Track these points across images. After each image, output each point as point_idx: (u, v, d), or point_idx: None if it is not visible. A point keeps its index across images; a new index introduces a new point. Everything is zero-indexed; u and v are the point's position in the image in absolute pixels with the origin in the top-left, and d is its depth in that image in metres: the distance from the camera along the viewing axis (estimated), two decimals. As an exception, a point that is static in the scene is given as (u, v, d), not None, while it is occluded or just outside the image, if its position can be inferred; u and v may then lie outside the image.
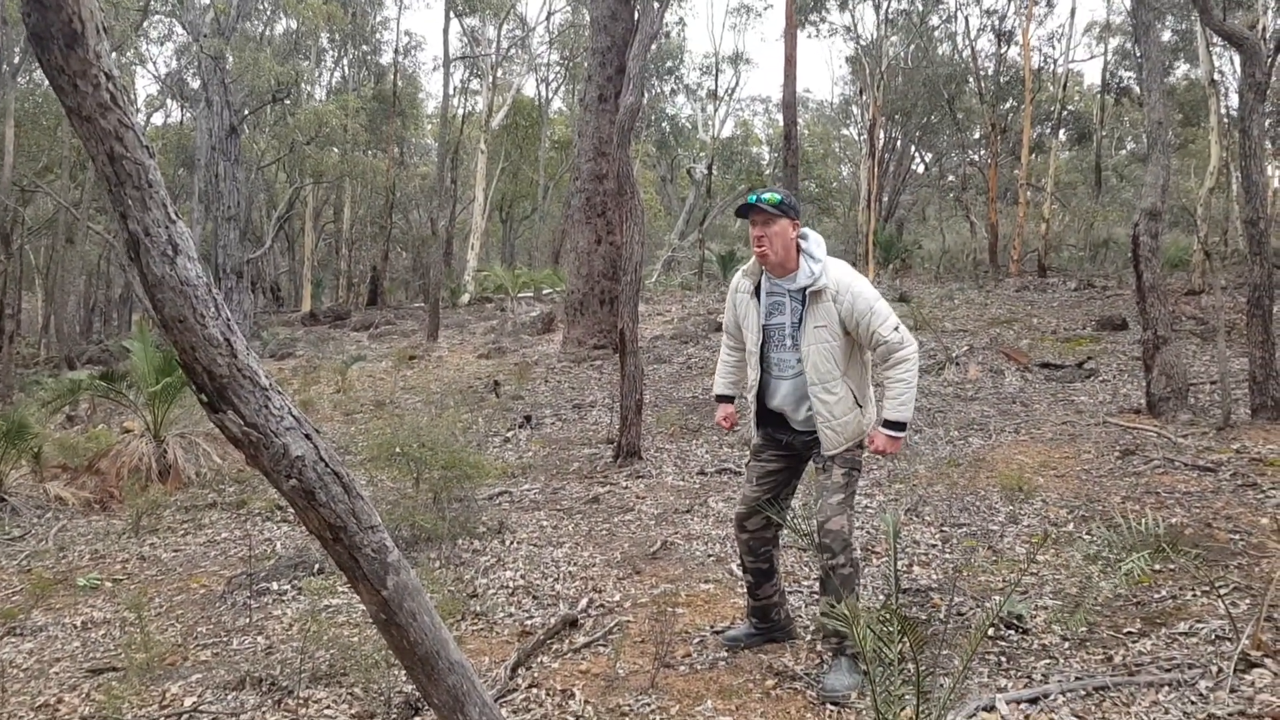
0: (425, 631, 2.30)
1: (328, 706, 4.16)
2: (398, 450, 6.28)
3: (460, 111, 38.48)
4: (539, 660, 4.51)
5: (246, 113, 26.66)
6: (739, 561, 4.43)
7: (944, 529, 6.07)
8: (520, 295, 25.30)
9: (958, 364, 11.74)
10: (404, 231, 41.49)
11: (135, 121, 2.01)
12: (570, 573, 5.71)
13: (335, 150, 30.90)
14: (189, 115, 35.75)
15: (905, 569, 5.42)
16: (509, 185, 41.22)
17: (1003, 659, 4.17)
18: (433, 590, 5.26)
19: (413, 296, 37.63)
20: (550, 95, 41.32)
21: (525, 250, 45.97)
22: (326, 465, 2.22)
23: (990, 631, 4.42)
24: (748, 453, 4.39)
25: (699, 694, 4.05)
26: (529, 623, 5.01)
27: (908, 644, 2.85)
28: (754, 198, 3.86)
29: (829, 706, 3.83)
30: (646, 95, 30.70)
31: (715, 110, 39.59)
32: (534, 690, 4.19)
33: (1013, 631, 4.42)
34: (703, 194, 37.89)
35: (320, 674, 4.44)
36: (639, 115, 9.91)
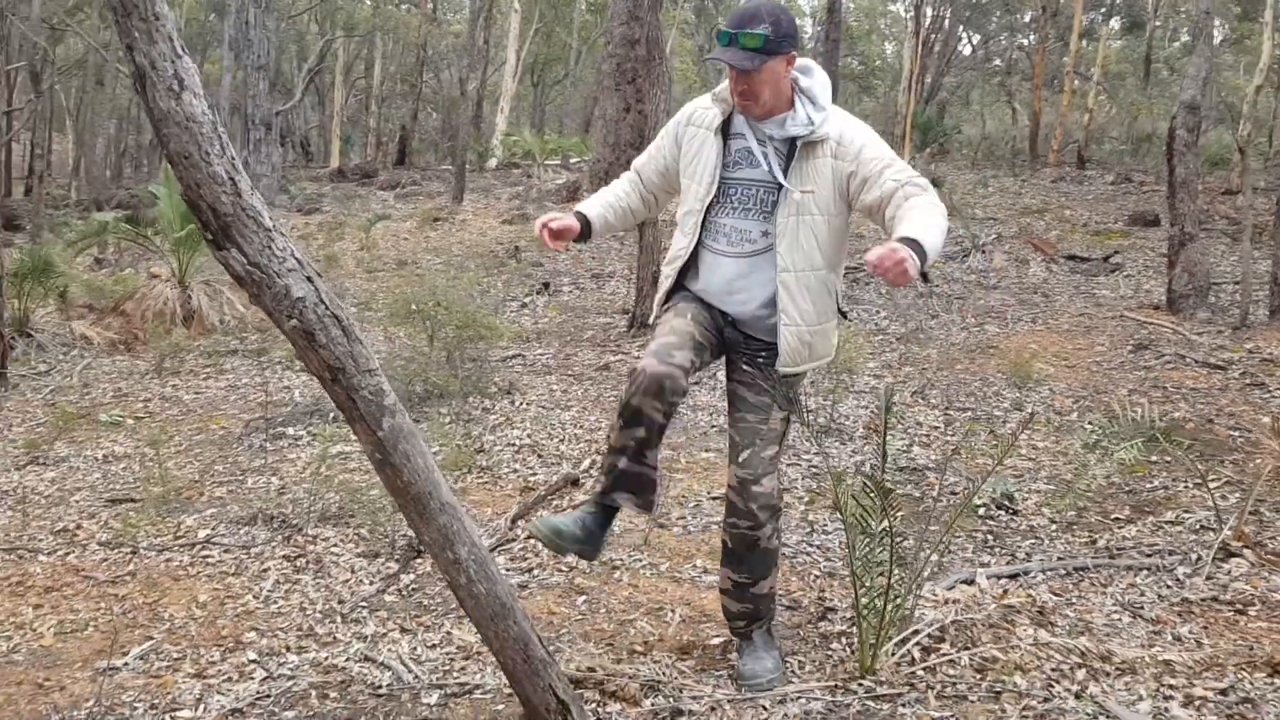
0: (418, 473, 2.38)
1: (334, 545, 4.32)
2: (414, 308, 6.36)
3: (496, -32, 37.46)
4: (539, 514, 4.66)
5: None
6: (624, 415, 2.90)
7: (948, 412, 6.13)
8: (548, 162, 25.06)
9: (983, 252, 11.63)
10: (435, 91, 40.89)
11: None
12: (576, 435, 5.84)
13: (367, 2, 30.27)
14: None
15: (905, 449, 5.50)
16: (542, 48, 40.39)
17: (990, 538, 4.28)
18: (441, 444, 5.42)
19: (441, 158, 37.31)
20: (589, -45, 40.12)
21: (556, 116, 45.34)
22: (327, 308, 2.25)
23: (981, 512, 4.53)
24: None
25: (689, 553, 4.19)
26: (532, 479, 5.16)
27: (888, 515, 2.94)
28: (729, 34, 2.68)
29: (789, 564, 3.95)
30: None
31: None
32: (530, 541, 4.33)
33: (1003, 513, 4.52)
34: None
35: (329, 514, 4.61)
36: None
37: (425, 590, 3.89)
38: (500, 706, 2.90)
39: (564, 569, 4.06)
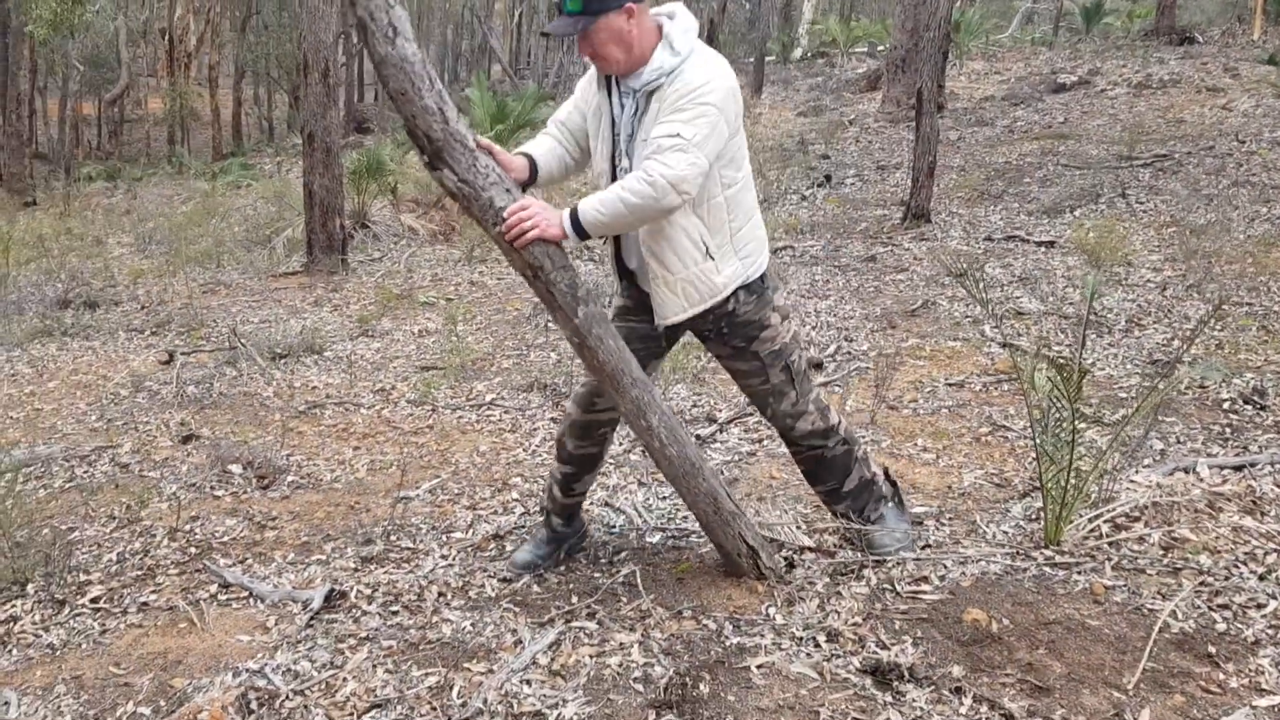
0: (611, 353, 2.76)
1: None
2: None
3: None
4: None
5: None
6: (556, 450, 3.22)
7: (1223, 307, 5.85)
8: (853, 50, 24.56)
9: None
10: (745, -19, 40.65)
11: None
12: (828, 322, 6.10)
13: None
14: None
15: (1165, 342, 5.36)
16: (855, -70, 38.98)
17: (1229, 430, 4.19)
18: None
19: (749, 50, 37.31)
20: None
21: (870, 2, 43.83)
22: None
23: (1226, 406, 4.42)
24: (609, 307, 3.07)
25: (913, 432, 4.42)
26: (779, 361, 5.50)
27: (1074, 398, 3.06)
28: (554, 7, 2.72)
29: (1011, 447, 4.06)
30: None
31: None
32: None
33: (1250, 407, 4.39)
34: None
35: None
36: None
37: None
38: (708, 548, 3.33)
39: (793, 441, 4.42)
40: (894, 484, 3.34)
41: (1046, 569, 3.03)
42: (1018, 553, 3.15)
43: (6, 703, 2.63)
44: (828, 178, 10.74)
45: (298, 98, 23.29)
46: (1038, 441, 3.19)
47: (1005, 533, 3.37)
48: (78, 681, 2.74)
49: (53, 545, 3.50)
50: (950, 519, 3.52)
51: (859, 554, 3.19)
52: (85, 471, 4.50)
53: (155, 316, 7.60)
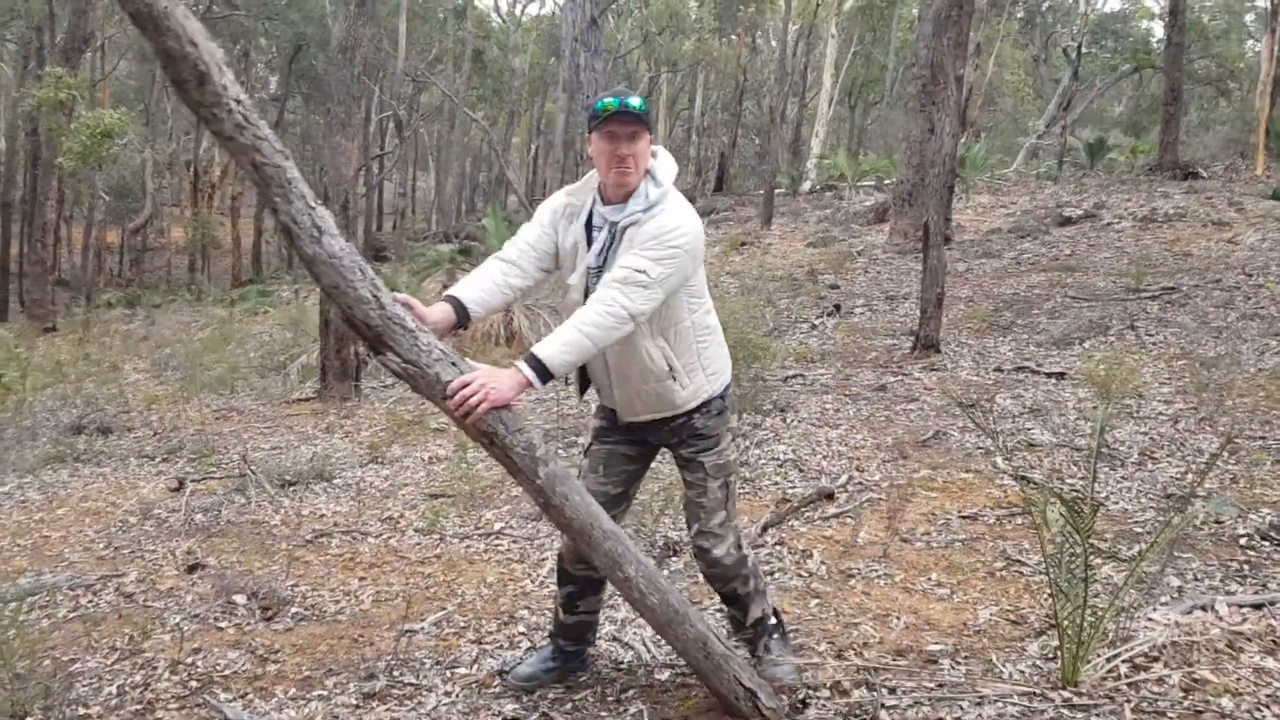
0: (578, 509, 2.75)
1: (602, 542, 4.86)
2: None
3: (815, -7, 37.93)
4: (790, 524, 4.98)
5: (609, 3, 27.85)
6: (557, 572, 3.37)
7: (1236, 440, 5.83)
8: (860, 184, 25.12)
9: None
10: (756, 117, 41.92)
11: (268, 133, 2.41)
12: (839, 452, 6.09)
13: (690, 39, 31.60)
14: (558, 4, 37.74)
15: (1179, 475, 5.33)
16: (860, 70, 40.35)
17: (1246, 567, 4.13)
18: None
19: (758, 184, 38.20)
20: (908, -26, 39.64)
21: (877, 138, 45.03)
22: None
23: (1243, 542, 4.37)
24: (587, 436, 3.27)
25: (926, 567, 4.36)
26: (790, 492, 5.48)
27: (1085, 535, 3.03)
28: (617, 101, 2.79)
29: (1026, 582, 4.00)
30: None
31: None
32: (778, 548, 4.67)
33: (1268, 544, 4.33)
34: (1071, 76, 35.19)
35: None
36: (961, 3, 9.65)
37: (676, 585, 4.32)
38: (717, 685, 3.25)
39: (804, 574, 4.36)
40: (778, 616, 3.40)
41: (1065, 710, 2.95)
42: (1035, 693, 3.07)
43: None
44: (837, 307, 10.86)
45: (317, 227, 23.84)
46: (1052, 578, 3.15)
47: (1022, 672, 3.29)
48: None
49: (53, 677, 3.44)
50: (966, 657, 3.45)
51: (874, 693, 3.12)
52: (90, 601, 4.46)
53: (167, 443, 7.63)
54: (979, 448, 6.03)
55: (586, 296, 2.91)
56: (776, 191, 22.40)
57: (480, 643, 3.84)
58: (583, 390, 3.23)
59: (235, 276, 28.00)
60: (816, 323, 10.47)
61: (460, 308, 2.96)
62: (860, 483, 5.53)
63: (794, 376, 8.09)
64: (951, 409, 6.85)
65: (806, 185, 29.08)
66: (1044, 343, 8.71)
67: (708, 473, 3.11)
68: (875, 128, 46.05)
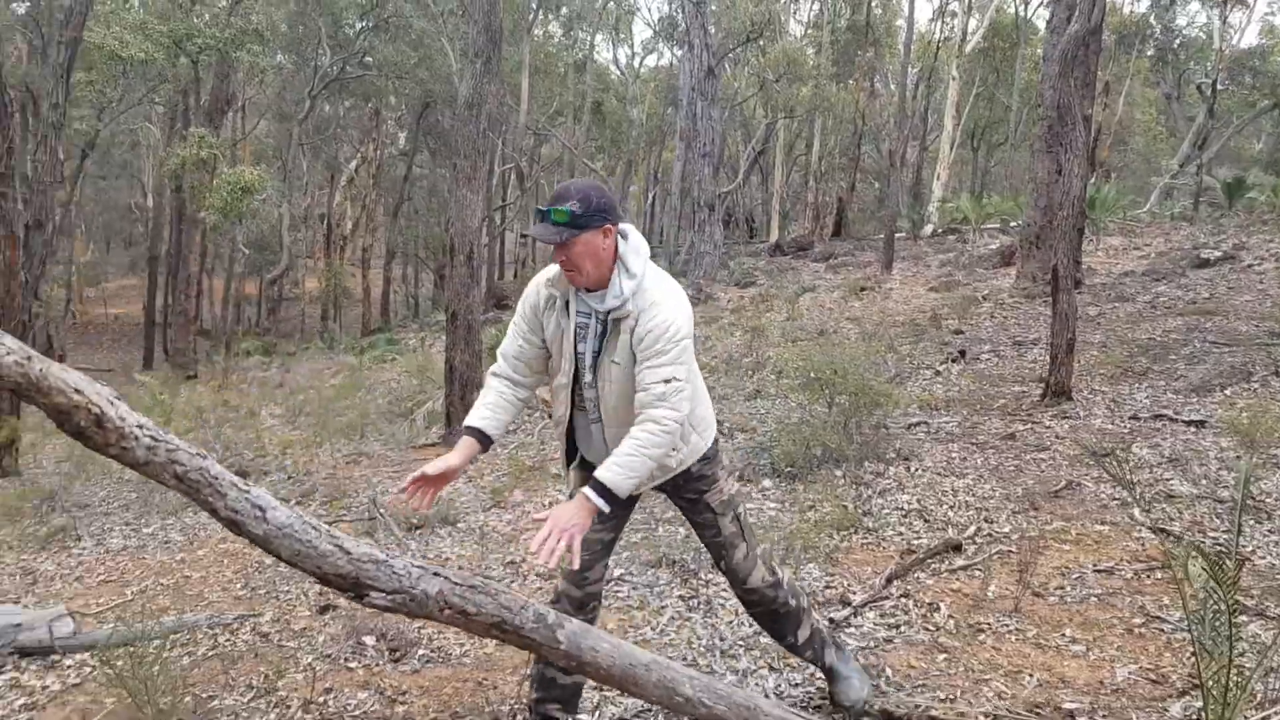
0: (610, 655, 2.71)
1: (723, 589, 4.81)
2: (813, 376, 6.80)
3: (936, 36, 37.64)
4: (915, 576, 4.86)
5: (725, 53, 28.15)
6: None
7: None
8: (984, 227, 24.64)
9: None
10: (874, 161, 41.60)
11: (179, 442, 2.49)
12: (966, 502, 5.93)
13: (807, 85, 31.62)
14: (676, 56, 38.30)
15: (1332, 532, 5.03)
16: (983, 111, 39.78)
17: None
18: (831, 504, 5.78)
19: (876, 229, 37.83)
20: (1030, 14, 39.02)
21: (1001, 180, 44.16)
22: (460, 585, 2.63)
23: None
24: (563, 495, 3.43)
25: (1060, 622, 4.20)
26: (915, 543, 5.35)
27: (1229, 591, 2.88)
28: (541, 211, 2.89)
29: (1166, 640, 3.82)
30: (1108, 18, 28.10)
31: (1226, 16, 35.03)
32: (903, 600, 4.56)
33: None
34: (1207, 113, 33.96)
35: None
36: (1088, 42, 9.43)
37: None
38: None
39: (930, 628, 4.25)
40: (828, 633, 3.57)
41: (1213, 778, 2.80)
42: (1181, 759, 2.93)
43: None
44: (962, 353, 10.63)
45: (443, 277, 24.50)
46: (1195, 635, 3.00)
47: (1166, 735, 3.14)
48: None
49: (194, 714, 3.58)
50: (1104, 717, 3.30)
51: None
52: (227, 640, 4.63)
53: (301, 485, 7.90)
54: (1114, 499, 5.80)
55: (576, 380, 3.07)
56: (897, 235, 22.14)
57: (600, 689, 3.84)
58: (569, 461, 3.27)
59: (365, 325, 28.94)
60: (940, 369, 10.25)
61: (481, 436, 3.11)
62: (989, 534, 5.37)
63: (918, 424, 7.93)
64: (1084, 459, 6.62)
65: (928, 229, 28.68)
66: (1182, 390, 8.35)
67: (715, 511, 3.24)
68: (999, 169, 45.19)
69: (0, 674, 4.30)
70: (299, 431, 10.65)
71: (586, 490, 2.78)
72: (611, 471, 2.80)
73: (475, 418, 3.14)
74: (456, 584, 2.63)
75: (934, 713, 3.28)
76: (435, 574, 2.62)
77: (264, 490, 2.60)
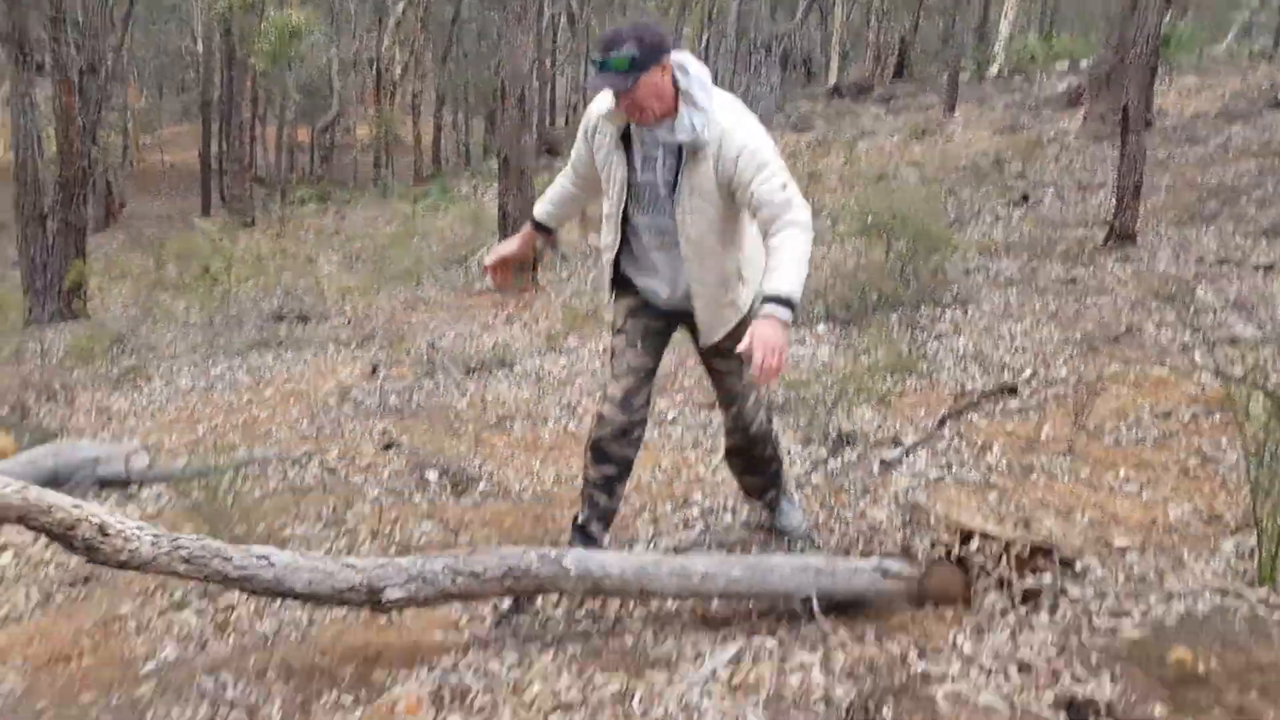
0: (618, 564, 2.90)
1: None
2: (869, 220, 6.71)
3: None
4: (969, 418, 4.88)
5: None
6: (593, 455, 3.31)
7: None
8: (1053, 67, 23.66)
9: None
10: (938, -1, 39.81)
11: (178, 534, 2.66)
12: (1023, 346, 5.89)
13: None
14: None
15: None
16: (1056, -57, 37.63)
17: None
18: (886, 348, 5.78)
19: (941, 69, 36.48)
20: None
21: (1071, 18, 42.16)
22: (461, 554, 2.87)
23: None
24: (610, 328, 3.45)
25: (1113, 462, 4.20)
26: (969, 386, 5.35)
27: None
28: (600, 62, 2.83)
29: (1222, 480, 3.82)
30: None
31: None
32: (956, 440, 4.60)
33: None
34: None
35: (774, 405, 5.17)
36: None
37: (847, 475, 4.33)
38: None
39: (983, 469, 4.29)
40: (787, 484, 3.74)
41: (1260, 610, 2.83)
42: (1228, 591, 2.96)
43: (225, 684, 2.84)
44: (1025, 197, 10.38)
45: (494, 123, 24.17)
46: (1253, 475, 3.00)
47: (1215, 570, 3.17)
48: (287, 668, 2.93)
49: (267, 542, 3.75)
50: (1155, 553, 3.34)
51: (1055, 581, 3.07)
52: (297, 474, 4.81)
53: (360, 330, 8.04)
54: (1175, 342, 5.73)
55: (627, 207, 3.11)
56: (961, 77, 21.35)
57: (655, 522, 3.96)
58: (613, 291, 3.35)
59: (417, 173, 28.78)
60: (1001, 213, 10.04)
61: (541, 226, 3.42)
62: (1047, 378, 5.35)
63: (976, 269, 7.82)
64: (1147, 302, 6.51)
65: (994, 69, 27.60)
66: (1252, 233, 8.12)
67: (743, 360, 3.13)
68: (1069, 6, 43.08)
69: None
70: (356, 278, 10.77)
71: (771, 307, 2.74)
72: (786, 282, 2.76)
73: (537, 209, 3.45)
74: (458, 555, 2.85)
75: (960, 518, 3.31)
76: (438, 556, 2.84)
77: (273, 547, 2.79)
